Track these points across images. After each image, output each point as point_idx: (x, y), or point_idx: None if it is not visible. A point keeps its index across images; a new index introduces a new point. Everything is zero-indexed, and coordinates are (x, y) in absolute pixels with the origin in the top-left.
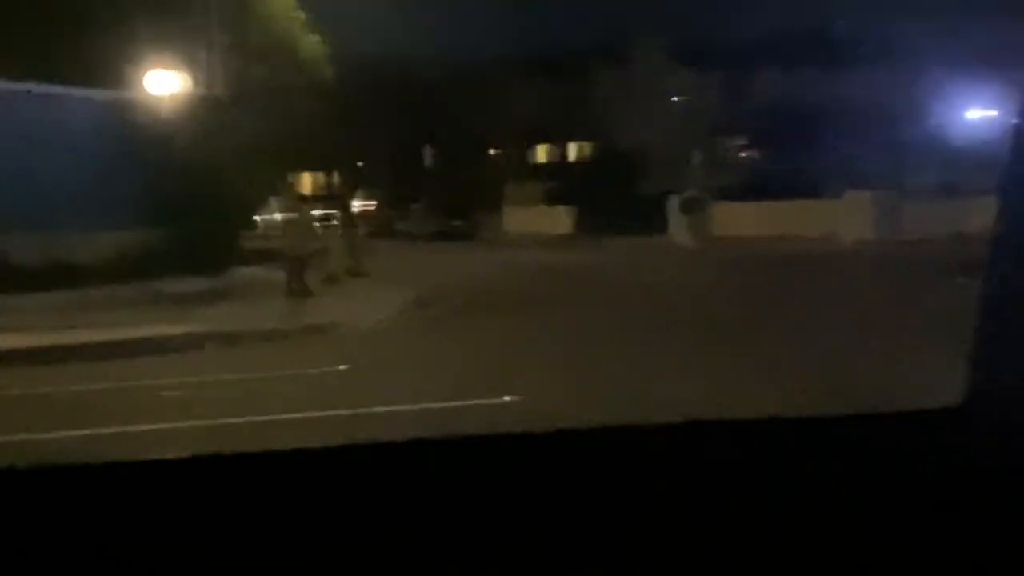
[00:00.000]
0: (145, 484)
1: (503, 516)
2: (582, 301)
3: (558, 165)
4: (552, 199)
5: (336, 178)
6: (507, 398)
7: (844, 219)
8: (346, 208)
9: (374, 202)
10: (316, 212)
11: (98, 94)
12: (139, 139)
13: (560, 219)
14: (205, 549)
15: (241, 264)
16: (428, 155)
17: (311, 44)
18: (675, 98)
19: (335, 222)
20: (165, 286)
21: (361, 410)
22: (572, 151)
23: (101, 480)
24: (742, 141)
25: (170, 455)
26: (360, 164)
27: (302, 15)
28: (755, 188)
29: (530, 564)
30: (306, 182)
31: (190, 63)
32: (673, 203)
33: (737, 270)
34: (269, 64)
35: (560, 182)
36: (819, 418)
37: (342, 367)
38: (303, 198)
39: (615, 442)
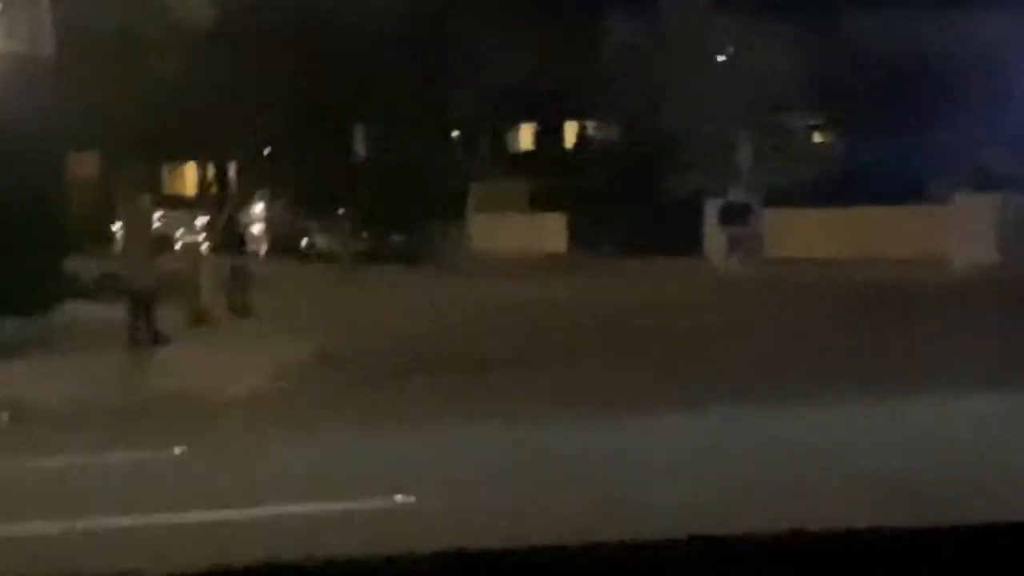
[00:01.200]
0: None
1: None
2: (559, 374)
3: (549, 155)
4: (539, 203)
5: (216, 173)
6: None
7: (955, 233)
8: (228, 217)
9: (272, 208)
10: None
11: None
12: None
13: (550, 233)
14: None
15: (82, 297)
16: (359, 139)
17: None
18: (718, 57)
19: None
20: None
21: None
22: (569, 134)
23: None
24: (811, 121)
25: None
26: (265, 152)
27: None
28: (828, 188)
29: None
30: (188, 179)
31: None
32: (711, 209)
33: (806, 318)
34: (119, 7)
35: (551, 179)
36: None
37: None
38: (166, 202)
39: None
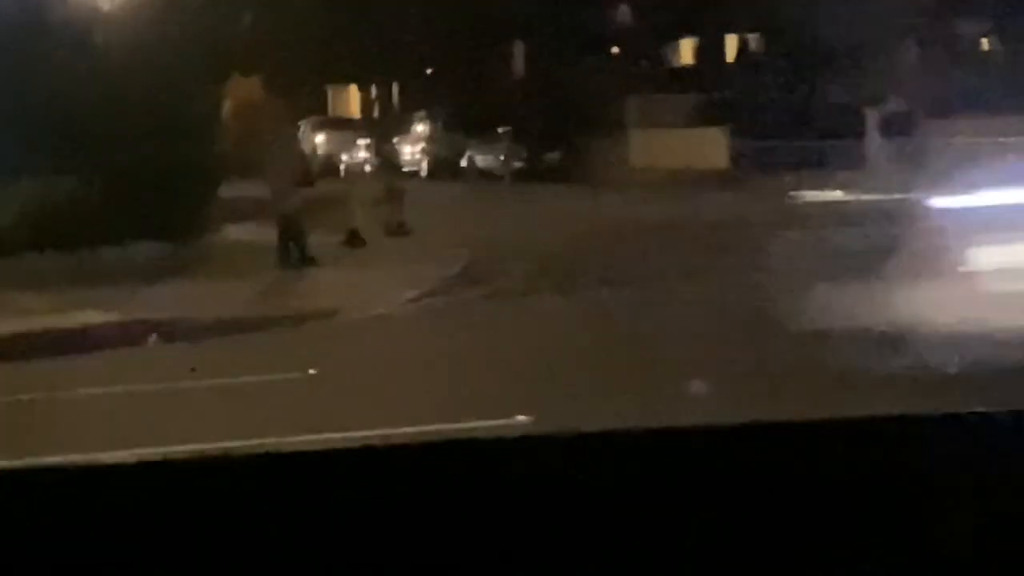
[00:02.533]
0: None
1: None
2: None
3: (710, 69)
4: (701, 118)
5: (379, 95)
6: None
7: None
8: (383, 138)
9: (432, 128)
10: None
11: None
12: (54, 37)
13: (712, 148)
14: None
15: (232, 221)
16: (517, 57)
17: None
18: None
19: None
20: (104, 256)
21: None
22: (731, 48)
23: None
24: (984, 24)
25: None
26: (426, 72)
27: None
28: (996, 100)
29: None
30: (352, 100)
31: None
32: (872, 121)
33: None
34: None
35: (713, 94)
36: None
37: (312, 371)
38: (329, 124)
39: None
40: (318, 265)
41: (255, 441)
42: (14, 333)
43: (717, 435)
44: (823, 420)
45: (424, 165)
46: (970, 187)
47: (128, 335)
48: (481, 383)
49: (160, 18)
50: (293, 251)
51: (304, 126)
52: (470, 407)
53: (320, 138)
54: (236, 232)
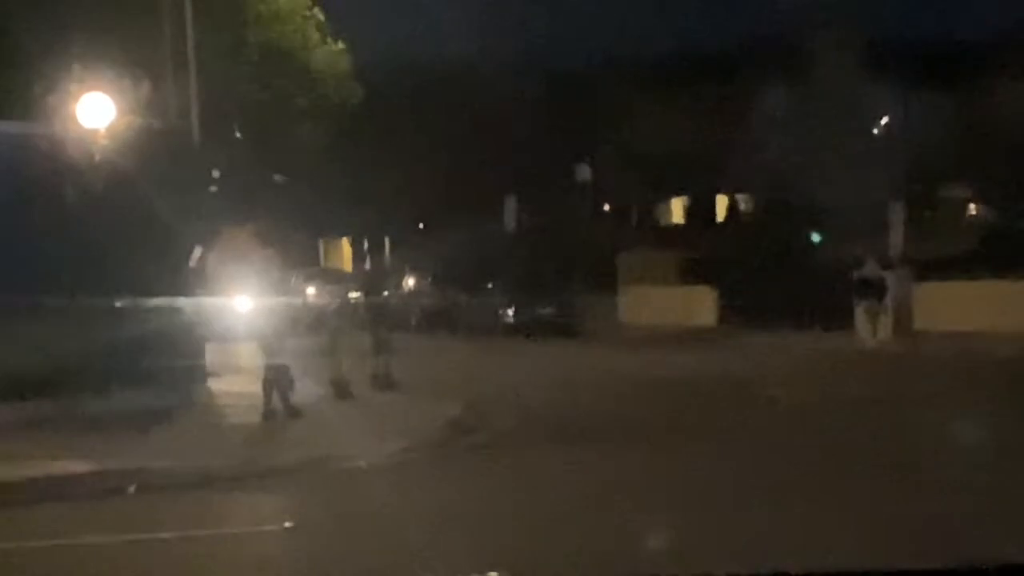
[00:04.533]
0: None
1: None
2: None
3: (700, 226)
4: (690, 276)
5: (369, 247)
6: None
7: None
8: (378, 290)
9: (422, 282)
10: (351, 294)
11: (4, 127)
12: (60, 192)
13: (699, 306)
14: None
15: (217, 371)
16: (509, 211)
17: (330, 54)
18: (879, 124)
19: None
20: (89, 402)
21: None
22: (720, 207)
23: None
24: (966, 191)
25: None
26: (419, 227)
27: (319, 14)
28: (985, 259)
29: None
30: (344, 253)
31: (152, 81)
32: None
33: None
34: (269, 81)
35: (703, 251)
36: None
37: (287, 524)
38: (320, 275)
39: None
40: (302, 416)
41: None
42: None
43: None
44: None
45: (412, 318)
46: None
47: (107, 484)
48: (460, 536)
49: (148, 169)
50: (276, 402)
51: (295, 276)
52: (447, 561)
53: (310, 289)
54: (222, 383)
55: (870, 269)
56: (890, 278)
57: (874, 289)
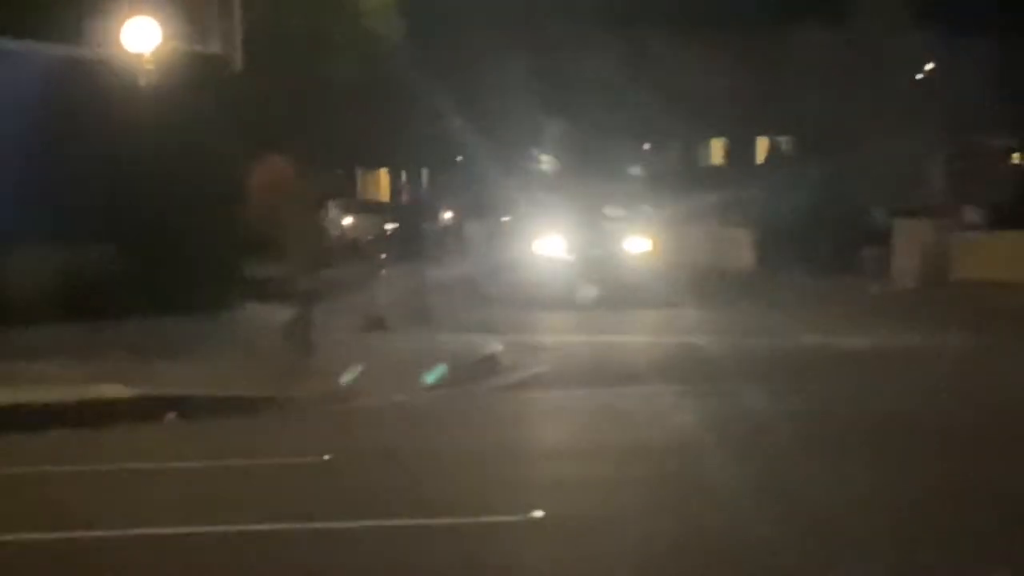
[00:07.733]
0: None
1: None
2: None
3: (738, 170)
4: (728, 218)
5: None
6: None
7: None
8: (407, 222)
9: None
10: (387, 225)
11: (46, 49)
12: (103, 117)
13: (737, 248)
14: None
15: (253, 299)
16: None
17: None
18: (918, 75)
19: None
20: (129, 328)
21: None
22: (759, 150)
23: None
24: (1010, 141)
25: None
26: (457, 160)
27: None
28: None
29: None
30: (383, 184)
31: (197, 7)
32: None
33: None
34: (311, 14)
35: (741, 193)
36: None
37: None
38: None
39: None
40: (325, 350)
41: (266, 526)
42: (42, 402)
43: None
44: None
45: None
46: None
47: (146, 411)
48: (499, 476)
49: (192, 96)
50: (295, 333)
51: (333, 206)
52: (485, 500)
53: (347, 219)
54: (256, 310)
55: (877, 215)
56: (917, 227)
57: (877, 236)
